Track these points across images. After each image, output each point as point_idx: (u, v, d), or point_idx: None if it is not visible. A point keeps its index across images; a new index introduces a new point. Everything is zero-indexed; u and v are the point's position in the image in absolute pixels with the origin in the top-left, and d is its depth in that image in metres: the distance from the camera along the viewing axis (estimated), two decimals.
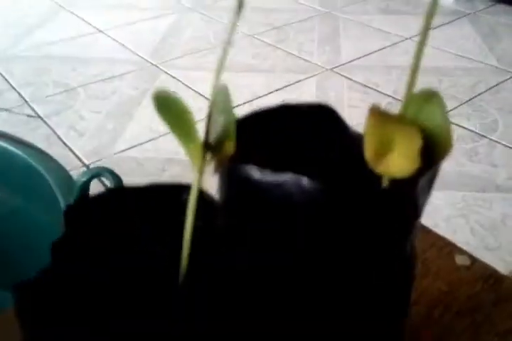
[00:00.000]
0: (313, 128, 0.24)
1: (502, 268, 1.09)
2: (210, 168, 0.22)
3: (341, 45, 1.91)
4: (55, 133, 1.39)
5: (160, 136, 1.37)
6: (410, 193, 0.20)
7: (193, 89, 1.57)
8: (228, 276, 0.19)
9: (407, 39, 1.94)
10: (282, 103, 0.24)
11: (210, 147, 0.21)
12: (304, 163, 0.22)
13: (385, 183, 0.20)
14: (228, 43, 0.22)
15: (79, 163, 1.27)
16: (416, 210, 0.21)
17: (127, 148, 1.32)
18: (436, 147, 0.19)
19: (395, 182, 0.19)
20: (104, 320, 0.17)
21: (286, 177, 0.19)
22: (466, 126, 1.46)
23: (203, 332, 0.17)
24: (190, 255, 0.20)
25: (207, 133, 0.21)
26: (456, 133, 1.43)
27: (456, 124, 1.46)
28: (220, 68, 0.21)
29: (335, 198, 0.19)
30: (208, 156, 0.21)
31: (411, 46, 1.86)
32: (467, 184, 1.25)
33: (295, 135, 0.23)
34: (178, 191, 0.21)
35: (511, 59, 1.81)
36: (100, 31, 2.02)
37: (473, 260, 0.39)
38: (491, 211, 1.18)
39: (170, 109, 0.20)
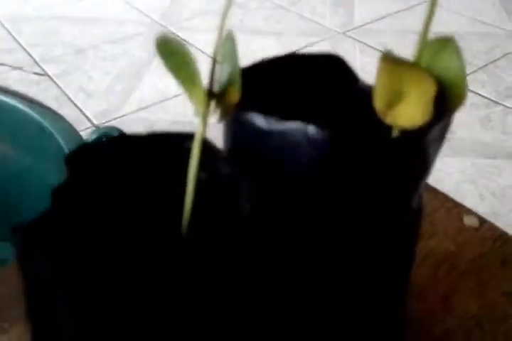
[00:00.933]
0: (323, 78, 0.23)
1: (511, 232, 1.09)
2: (214, 116, 0.21)
3: (355, 8, 1.85)
4: (64, 93, 1.38)
5: (169, 98, 1.36)
6: (420, 144, 0.19)
7: (203, 52, 1.54)
8: (231, 225, 0.18)
9: (423, 2, 1.88)
10: (290, 52, 0.23)
11: (215, 95, 0.20)
12: (312, 112, 0.21)
13: (395, 133, 0.19)
14: None
15: (88, 123, 1.26)
16: (426, 162, 0.20)
17: (136, 109, 1.32)
18: (450, 97, 0.19)
19: (405, 133, 0.19)
20: (108, 262, 0.17)
21: (292, 126, 0.18)
22: (480, 92, 1.43)
23: (203, 277, 0.17)
24: (194, 203, 0.20)
25: (211, 80, 0.21)
26: (470, 99, 1.40)
27: (471, 91, 1.43)
28: (225, 13, 0.21)
29: (342, 147, 0.18)
30: (213, 104, 0.21)
31: (425, 10, 1.80)
32: (478, 150, 1.23)
33: (303, 85, 0.23)
34: (182, 140, 0.21)
35: None
36: None
37: (482, 221, 0.39)
38: (501, 178, 1.17)
39: (173, 54, 0.20)
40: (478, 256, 0.36)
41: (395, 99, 0.18)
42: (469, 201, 1.11)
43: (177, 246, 0.19)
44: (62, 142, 0.71)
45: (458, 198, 1.21)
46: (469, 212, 0.40)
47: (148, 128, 1.25)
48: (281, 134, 0.19)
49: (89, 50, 1.58)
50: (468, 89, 1.44)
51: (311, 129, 0.18)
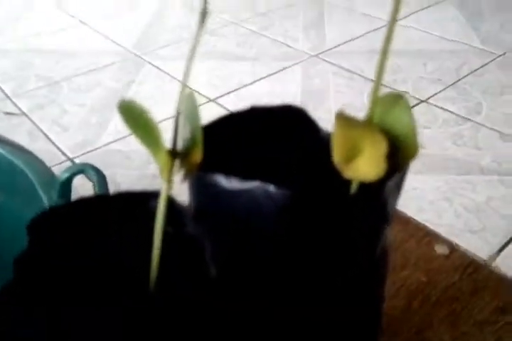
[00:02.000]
0: (284, 130, 0.24)
1: (486, 250, 1.11)
2: (180, 176, 0.22)
3: (326, 31, 1.90)
4: (38, 128, 1.37)
5: None
6: (378, 197, 0.20)
7: (176, 79, 1.56)
8: (198, 283, 0.19)
9: None
10: (251, 106, 0.24)
11: (178, 155, 0.21)
12: (274, 167, 0.22)
13: (353, 187, 0.20)
14: (194, 49, 0.21)
15: (63, 157, 1.26)
16: (385, 212, 0.21)
17: (112, 141, 1.32)
18: (404, 150, 0.20)
19: (364, 187, 0.20)
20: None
21: (253, 185, 0.19)
22: (450, 109, 1.46)
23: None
24: (160, 263, 0.20)
25: (174, 141, 0.21)
26: (441, 116, 1.43)
27: (441, 108, 1.47)
28: (187, 73, 0.21)
29: (302, 205, 0.19)
30: (177, 164, 0.21)
31: (396, 30, 1.85)
32: (451, 167, 1.26)
33: (265, 138, 0.23)
34: (147, 199, 0.21)
35: (495, 40, 1.81)
36: (83, 23, 1.99)
37: (452, 248, 0.40)
38: (475, 193, 1.19)
39: (135, 118, 0.20)
40: (450, 285, 0.37)
41: (351, 154, 0.19)
42: (445, 218, 1.13)
43: (144, 303, 0.19)
44: (33, 179, 0.70)
45: (434, 216, 1.23)
46: (440, 239, 0.41)
47: (125, 159, 1.25)
48: (243, 193, 0.19)
49: (63, 82, 1.58)
50: (439, 107, 1.48)
51: (271, 188, 0.19)
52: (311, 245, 0.20)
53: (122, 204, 0.21)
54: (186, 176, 0.21)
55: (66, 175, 0.67)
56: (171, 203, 0.21)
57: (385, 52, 0.18)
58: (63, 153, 1.27)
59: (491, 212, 1.14)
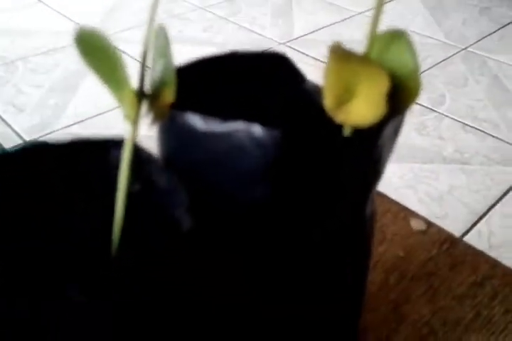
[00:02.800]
0: (266, 77, 0.21)
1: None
2: (147, 119, 0.19)
3: (294, 19, 1.88)
4: None
5: (107, 111, 1.31)
6: (373, 143, 0.18)
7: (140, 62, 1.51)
8: (169, 243, 0.16)
9: (360, 13, 1.93)
10: (231, 51, 0.21)
11: (147, 95, 0.18)
12: (256, 113, 0.20)
13: (346, 132, 0.18)
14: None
15: (19, 140, 1.20)
16: (379, 162, 0.19)
17: (71, 124, 1.26)
18: (403, 91, 0.18)
19: (357, 132, 0.17)
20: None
21: (235, 126, 0.16)
22: None
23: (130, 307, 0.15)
24: (125, 219, 0.17)
25: (141, 79, 0.18)
26: None
27: None
28: (155, 2, 0.19)
29: (291, 148, 0.16)
30: (144, 105, 0.18)
31: (363, 21, 1.85)
32: (415, 156, 1.26)
33: (245, 84, 0.21)
34: (110, 146, 0.19)
35: (458, 34, 1.83)
36: (40, 1, 1.90)
37: (429, 224, 0.39)
38: (438, 182, 1.20)
39: (95, 50, 0.17)
40: (427, 260, 0.36)
41: (346, 96, 0.17)
42: (409, 205, 1.13)
43: (106, 270, 0.16)
44: None
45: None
46: (416, 215, 0.40)
47: None
48: (224, 136, 0.17)
49: (18, 61, 1.51)
50: None
51: (257, 130, 0.16)
52: (298, 192, 0.18)
53: (79, 154, 0.18)
54: (156, 120, 0.18)
55: None
56: (137, 151, 0.18)
57: None
58: (18, 135, 1.21)
59: (453, 200, 1.15)
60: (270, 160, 0.17)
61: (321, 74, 0.17)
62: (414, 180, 1.20)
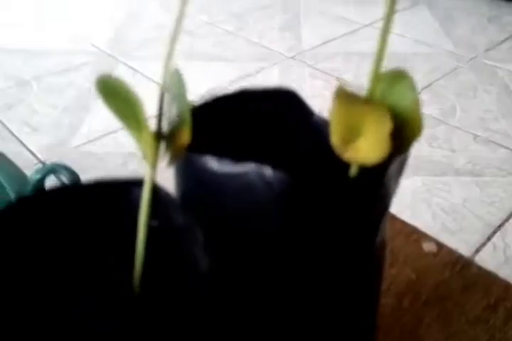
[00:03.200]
0: (276, 113, 0.22)
1: (464, 251, 1.11)
2: (164, 159, 0.20)
3: (302, 33, 1.90)
4: (7, 128, 1.33)
5: (120, 129, 1.33)
6: (380, 180, 0.18)
7: (153, 81, 1.53)
8: (187, 281, 0.17)
9: (366, 26, 1.94)
10: (242, 88, 0.22)
11: (164, 137, 0.19)
12: (267, 151, 0.20)
13: (353, 171, 0.19)
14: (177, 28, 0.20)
15: (34, 159, 1.22)
16: (386, 197, 0.20)
17: (85, 142, 1.28)
18: (406, 130, 0.18)
19: (364, 170, 0.18)
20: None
21: (247, 168, 0.17)
22: (425, 111, 1.47)
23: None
24: (145, 255, 0.18)
25: (159, 121, 0.19)
26: None
27: None
28: (171, 49, 0.19)
29: (300, 189, 0.17)
30: (162, 147, 0.19)
31: (370, 33, 1.86)
32: (428, 169, 1.26)
33: (257, 121, 0.22)
34: (131, 187, 0.19)
35: (467, 44, 1.84)
36: (55, 20, 1.94)
37: (440, 246, 0.39)
38: (451, 194, 1.20)
39: (115, 95, 0.18)
40: (439, 283, 0.36)
41: (352, 135, 0.18)
42: (423, 219, 1.13)
43: (127, 305, 0.17)
44: (2, 179, 0.67)
45: (412, 217, 1.23)
46: (427, 237, 0.40)
47: (98, 161, 1.22)
48: (236, 177, 0.17)
49: (33, 81, 1.54)
50: None
51: (268, 171, 0.17)
52: (309, 232, 0.19)
53: (101, 195, 0.19)
54: (173, 160, 0.19)
55: (38, 176, 0.64)
56: (156, 192, 0.19)
57: (388, 21, 0.17)
58: (34, 155, 1.23)
59: (467, 213, 1.15)
60: (280, 199, 0.17)
61: (329, 90, 0.18)
62: (427, 193, 1.19)
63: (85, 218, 0.20)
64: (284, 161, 0.18)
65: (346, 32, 1.89)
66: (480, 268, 0.37)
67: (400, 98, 0.18)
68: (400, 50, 1.77)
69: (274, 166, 0.18)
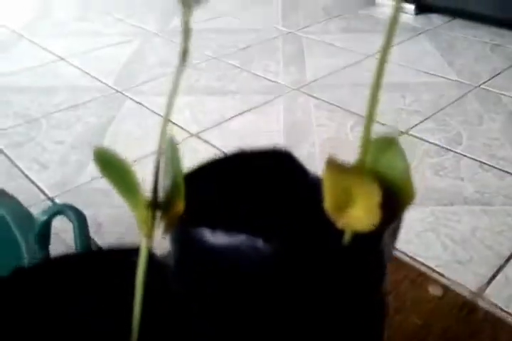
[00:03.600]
0: (272, 174, 0.23)
1: (476, 282, 1.09)
2: (160, 227, 0.20)
3: (306, 65, 1.93)
4: (16, 166, 1.35)
5: None
6: (374, 246, 0.18)
7: (158, 115, 1.55)
8: None
9: (369, 56, 1.97)
10: (237, 150, 0.23)
11: (159, 206, 0.20)
12: (263, 213, 0.21)
13: (347, 237, 0.19)
14: (174, 93, 0.20)
15: (43, 196, 1.23)
16: (382, 261, 0.20)
17: (93, 179, 1.29)
18: (399, 196, 0.18)
19: (358, 236, 0.18)
20: None
21: (239, 239, 0.17)
22: (431, 140, 1.48)
23: None
24: (141, 325, 0.18)
25: (155, 190, 0.20)
26: (422, 148, 1.44)
27: (421, 139, 1.48)
28: (166, 120, 0.20)
29: (293, 259, 0.17)
30: (157, 215, 0.20)
31: (374, 63, 1.88)
32: (435, 198, 1.26)
33: (252, 182, 0.22)
34: (127, 255, 0.20)
35: (470, 73, 1.85)
36: (62, 59, 1.99)
37: (446, 289, 0.39)
38: (461, 224, 1.19)
39: (111, 165, 0.19)
40: (446, 328, 0.35)
41: (344, 203, 0.18)
42: (432, 250, 1.12)
43: None
44: (10, 220, 0.68)
45: (421, 248, 1.22)
46: (433, 280, 0.40)
47: (105, 197, 1.23)
48: (229, 248, 0.18)
49: (42, 119, 1.57)
50: (419, 138, 1.49)
51: (260, 243, 0.17)
52: (304, 298, 0.19)
53: (101, 262, 0.20)
54: (168, 229, 0.19)
55: (44, 217, 0.65)
56: (152, 259, 0.19)
57: (372, 107, 0.17)
58: (43, 192, 1.24)
59: (476, 243, 1.13)
60: (273, 269, 0.18)
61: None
62: (435, 223, 1.18)
63: (87, 284, 0.20)
64: (279, 223, 0.19)
65: (350, 63, 1.92)
66: (487, 312, 0.37)
67: (391, 166, 0.18)
68: (402, 80, 1.79)
69: (269, 233, 0.18)
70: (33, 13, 2.51)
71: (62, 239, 1.05)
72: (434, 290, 0.38)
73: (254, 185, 0.22)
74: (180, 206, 0.19)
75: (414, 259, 1.07)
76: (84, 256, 0.20)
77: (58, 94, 1.70)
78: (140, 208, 0.19)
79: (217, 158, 0.22)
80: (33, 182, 1.28)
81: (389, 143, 0.19)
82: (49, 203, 1.18)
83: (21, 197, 0.70)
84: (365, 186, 0.17)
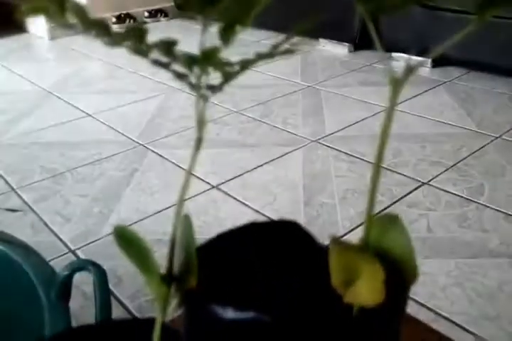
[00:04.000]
0: (282, 245, 0.23)
1: (505, 339, 1.05)
2: (175, 299, 0.21)
3: (325, 117, 1.96)
4: (41, 219, 1.38)
5: (147, 216, 1.36)
6: (379, 321, 0.19)
7: (180, 167, 1.58)
8: None
9: (386, 108, 1.99)
10: (249, 222, 0.24)
11: (174, 278, 0.21)
12: (273, 287, 0.21)
13: (355, 311, 0.19)
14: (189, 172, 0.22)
15: (65, 249, 1.24)
16: (389, 333, 0.20)
17: None
18: (403, 272, 0.19)
19: (364, 311, 0.19)
20: None
21: (248, 315, 0.18)
22: (453, 191, 1.47)
23: None
24: None
25: (170, 265, 0.21)
26: (443, 198, 1.43)
27: (443, 190, 1.47)
28: (182, 197, 0.21)
29: (302, 335, 0.18)
30: (173, 288, 0.21)
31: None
32: (459, 251, 1.23)
33: (263, 255, 0.23)
34: (143, 326, 0.20)
35: (490, 123, 1.86)
36: (89, 115, 2.07)
37: None
38: (487, 278, 1.16)
39: (130, 243, 0.20)
40: None
41: (350, 280, 0.19)
42: (458, 305, 1.09)
43: None
44: (32, 276, 0.69)
45: (446, 303, 1.18)
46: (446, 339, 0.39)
47: None
48: (240, 322, 0.18)
49: (67, 173, 1.61)
50: (441, 189, 1.48)
51: (267, 319, 0.18)
52: None
53: (118, 333, 0.20)
54: (181, 302, 0.20)
55: (66, 273, 0.66)
56: (166, 330, 0.20)
57: (376, 172, 0.18)
58: (65, 245, 1.26)
59: (504, 298, 1.10)
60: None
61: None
62: (461, 277, 1.16)
63: None
64: (288, 293, 0.19)
65: (367, 115, 1.95)
66: None
67: (394, 244, 0.19)
68: (421, 131, 1.80)
69: (280, 304, 0.19)
70: (63, 74, 2.63)
71: (83, 291, 1.05)
72: None
73: (265, 255, 0.23)
74: (193, 281, 0.20)
75: (439, 314, 1.05)
76: (102, 327, 0.21)
77: (84, 149, 1.76)
78: (155, 283, 0.19)
79: (230, 229, 0.23)
80: (56, 235, 1.30)
81: (392, 221, 0.19)
82: (71, 256, 1.20)
83: (45, 251, 0.71)
84: (369, 265, 0.18)
